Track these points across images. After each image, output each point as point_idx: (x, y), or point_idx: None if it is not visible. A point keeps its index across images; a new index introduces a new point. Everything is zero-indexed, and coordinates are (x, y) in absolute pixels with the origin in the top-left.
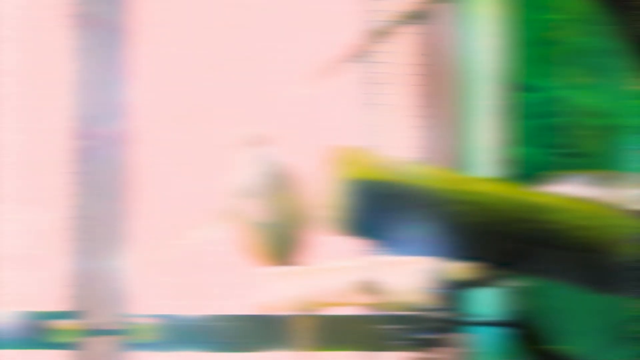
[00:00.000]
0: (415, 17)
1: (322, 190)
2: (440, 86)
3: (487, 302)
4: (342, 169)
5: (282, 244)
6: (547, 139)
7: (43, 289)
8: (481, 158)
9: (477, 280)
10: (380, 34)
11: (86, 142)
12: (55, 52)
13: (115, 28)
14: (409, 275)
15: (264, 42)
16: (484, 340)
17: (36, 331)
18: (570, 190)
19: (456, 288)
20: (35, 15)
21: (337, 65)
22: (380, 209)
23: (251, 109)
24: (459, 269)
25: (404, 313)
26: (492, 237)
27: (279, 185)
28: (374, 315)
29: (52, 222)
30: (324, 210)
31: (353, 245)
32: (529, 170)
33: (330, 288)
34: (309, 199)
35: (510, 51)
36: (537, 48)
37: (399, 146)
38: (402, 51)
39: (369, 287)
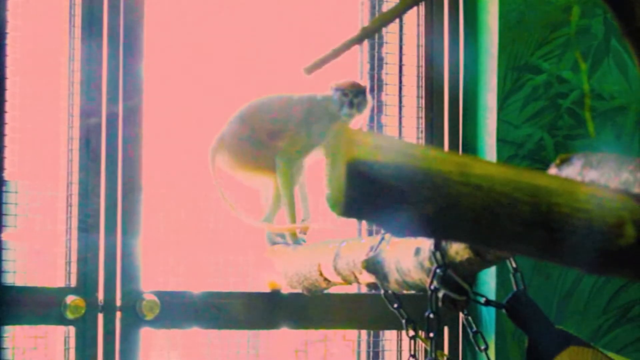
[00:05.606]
0: None
1: (325, 171)
2: (443, 68)
3: (488, 282)
4: (343, 149)
5: (289, 221)
6: (550, 120)
7: (49, 265)
8: (483, 140)
9: (477, 261)
10: (385, 17)
11: (93, 119)
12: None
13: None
14: (410, 256)
15: (268, 27)
16: (484, 319)
17: (42, 307)
18: (572, 173)
19: (457, 269)
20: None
21: (340, 49)
22: (381, 190)
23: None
24: (460, 249)
25: (406, 293)
26: (493, 219)
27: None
28: (377, 294)
29: (59, 199)
30: (327, 191)
31: (357, 225)
32: (532, 151)
33: (335, 267)
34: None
35: (516, 33)
36: (542, 30)
37: (402, 128)
38: (407, 33)
39: (372, 267)
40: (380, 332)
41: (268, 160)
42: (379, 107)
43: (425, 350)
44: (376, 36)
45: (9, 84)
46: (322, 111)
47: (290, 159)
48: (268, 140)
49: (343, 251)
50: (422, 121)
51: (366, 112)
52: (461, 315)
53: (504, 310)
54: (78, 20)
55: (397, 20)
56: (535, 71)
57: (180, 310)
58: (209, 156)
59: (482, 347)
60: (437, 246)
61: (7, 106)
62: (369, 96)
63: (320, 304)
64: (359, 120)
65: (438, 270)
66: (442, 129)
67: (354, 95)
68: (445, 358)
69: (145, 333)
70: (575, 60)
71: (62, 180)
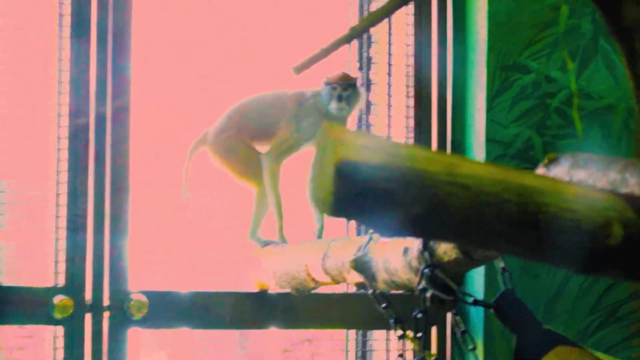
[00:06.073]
0: None
1: (312, 170)
2: (431, 68)
3: (476, 282)
4: (331, 149)
5: (277, 220)
6: (539, 120)
7: (38, 265)
8: (471, 139)
9: (466, 261)
10: (373, 16)
11: (81, 119)
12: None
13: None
14: (399, 256)
15: (257, 26)
16: (472, 319)
17: (30, 306)
18: (560, 173)
19: (445, 269)
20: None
21: (329, 48)
22: (369, 191)
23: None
24: (448, 249)
25: (394, 292)
26: (481, 219)
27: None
28: (365, 294)
29: (47, 199)
30: (314, 190)
31: (345, 225)
32: (520, 151)
33: (323, 267)
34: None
35: (504, 32)
36: (531, 29)
37: (390, 127)
38: (395, 33)
39: (360, 267)
40: (369, 332)
41: (250, 163)
42: (368, 107)
43: (414, 350)
44: (365, 36)
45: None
46: (310, 107)
47: (278, 156)
48: (251, 142)
49: (331, 251)
50: (411, 121)
51: (358, 105)
52: (449, 315)
53: (492, 310)
54: (67, 20)
55: (386, 20)
56: (523, 71)
57: (168, 310)
58: (189, 149)
59: (470, 347)
60: (425, 246)
61: None
62: (361, 89)
63: (309, 303)
64: (353, 115)
65: (426, 270)
66: (430, 129)
67: (342, 89)
68: (433, 358)
69: (133, 333)
70: (564, 60)
71: (50, 180)
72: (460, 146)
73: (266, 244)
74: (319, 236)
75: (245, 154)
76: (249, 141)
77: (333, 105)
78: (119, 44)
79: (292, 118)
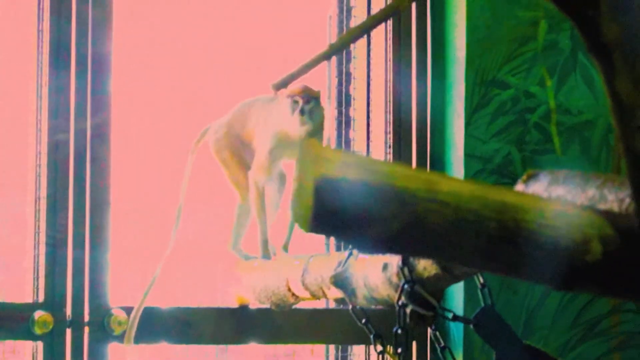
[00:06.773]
0: (389, 13)
1: (293, 186)
2: (411, 83)
3: (456, 298)
4: (310, 166)
5: (261, 237)
6: (518, 135)
7: (17, 281)
8: (451, 154)
9: (445, 277)
10: (353, 33)
11: (60, 134)
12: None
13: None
14: (378, 272)
15: (236, 44)
16: (452, 335)
17: (10, 322)
18: (539, 189)
19: (424, 284)
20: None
21: (309, 65)
22: (348, 208)
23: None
24: (427, 265)
25: (374, 308)
26: (460, 236)
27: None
28: (345, 309)
29: (27, 214)
30: (295, 206)
31: (325, 240)
32: (500, 166)
33: (303, 282)
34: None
35: (483, 48)
36: (510, 45)
37: (370, 142)
38: (374, 49)
39: (340, 282)
40: (349, 347)
41: (232, 169)
42: (347, 122)
43: None
44: (344, 51)
45: None
46: (275, 121)
47: (258, 171)
48: (241, 147)
49: (311, 266)
50: (390, 136)
51: (321, 119)
52: (429, 330)
53: (471, 326)
54: (46, 36)
55: (365, 36)
56: (502, 86)
57: (148, 325)
58: (190, 146)
59: None
60: (405, 262)
61: None
62: (322, 103)
63: (289, 318)
64: (310, 128)
65: (406, 286)
66: (410, 144)
67: (304, 102)
68: None
69: (114, 348)
70: (542, 75)
71: (30, 195)
72: (439, 161)
73: (248, 258)
74: (285, 249)
75: (230, 159)
76: (239, 146)
77: (295, 120)
78: (99, 57)
79: (262, 131)
